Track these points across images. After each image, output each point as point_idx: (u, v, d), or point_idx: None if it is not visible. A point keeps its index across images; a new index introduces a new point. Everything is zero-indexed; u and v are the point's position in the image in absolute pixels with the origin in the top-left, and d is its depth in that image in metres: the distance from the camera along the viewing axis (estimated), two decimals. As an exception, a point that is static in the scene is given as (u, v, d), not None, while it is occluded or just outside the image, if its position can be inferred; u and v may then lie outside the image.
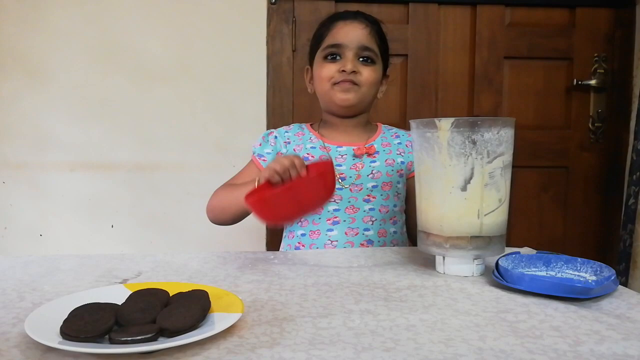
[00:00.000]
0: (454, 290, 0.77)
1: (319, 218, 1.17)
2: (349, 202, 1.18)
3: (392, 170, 1.21)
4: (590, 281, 0.80)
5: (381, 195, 1.20)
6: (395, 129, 1.32)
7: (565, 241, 2.00)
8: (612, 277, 0.77)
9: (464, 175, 0.82)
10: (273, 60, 1.88)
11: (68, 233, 1.88)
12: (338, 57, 1.18)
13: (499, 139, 0.82)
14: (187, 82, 1.86)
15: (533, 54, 1.96)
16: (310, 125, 1.31)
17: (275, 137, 1.28)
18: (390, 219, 1.21)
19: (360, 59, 1.18)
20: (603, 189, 2.01)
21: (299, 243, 1.20)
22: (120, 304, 0.61)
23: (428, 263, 0.92)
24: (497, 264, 0.82)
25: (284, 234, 1.28)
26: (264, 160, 1.24)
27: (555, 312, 0.68)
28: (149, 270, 0.85)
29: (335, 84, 1.18)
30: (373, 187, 1.19)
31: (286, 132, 1.28)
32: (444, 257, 0.85)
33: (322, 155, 1.07)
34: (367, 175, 1.19)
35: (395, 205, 1.22)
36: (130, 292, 0.65)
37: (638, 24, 1.91)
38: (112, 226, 1.89)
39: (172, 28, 1.85)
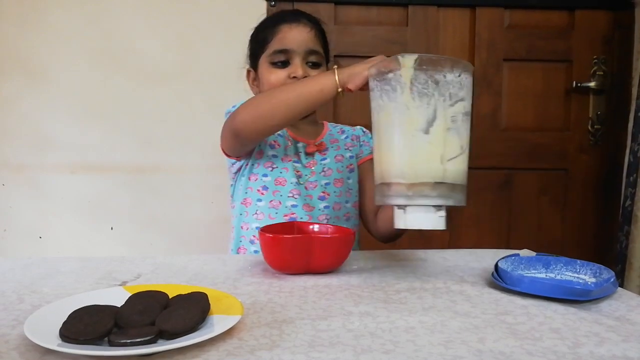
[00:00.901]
0: (453, 293, 0.77)
1: (276, 212, 1.16)
2: (305, 200, 1.17)
3: (342, 166, 1.22)
4: (589, 283, 0.80)
5: (334, 192, 1.20)
6: (340, 125, 1.32)
7: (564, 243, 2.00)
8: (612, 279, 0.77)
9: (426, 117, 0.79)
10: (273, 63, 1.88)
11: (68, 235, 1.88)
12: (286, 63, 1.17)
13: (460, 83, 0.80)
14: (186, 83, 1.87)
15: (532, 56, 1.96)
16: None
17: None
18: (344, 216, 1.21)
19: (308, 63, 1.18)
20: (602, 191, 2.01)
21: (253, 236, 1.18)
22: (119, 306, 0.61)
23: (427, 265, 0.92)
24: (496, 265, 0.82)
25: (233, 224, 1.24)
26: None
27: (555, 314, 0.68)
28: (149, 273, 0.85)
29: None
30: (326, 184, 1.20)
31: None
32: (405, 210, 0.80)
33: (348, 231, 1.02)
34: (320, 173, 1.20)
35: (347, 202, 1.22)
36: (129, 295, 0.65)
37: (637, 26, 1.91)
38: (112, 228, 1.89)
39: (172, 29, 1.85)
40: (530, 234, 2.00)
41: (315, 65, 1.18)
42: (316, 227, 0.96)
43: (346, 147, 1.25)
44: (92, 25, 1.84)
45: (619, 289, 0.79)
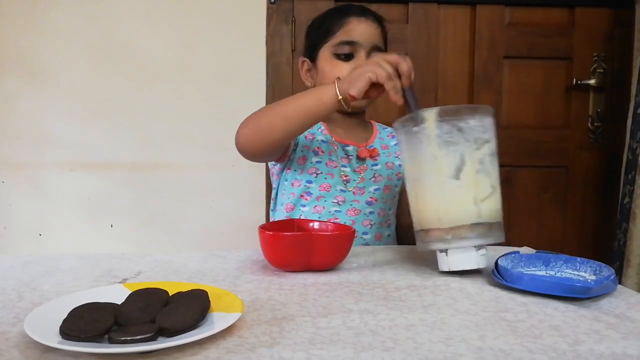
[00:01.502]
0: (454, 290, 0.77)
1: (319, 217, 1.17)
2: (351, 204, 1.17)
3: (392, 173, 1.21)
4: (589, 280, 0.80)
5: (382, 198, 1.19)
6: (389, 129, 1.30)
7: (564, 241, 2.00)
8: (612, 277, 0.77)
9: (455, 164, 0.82)
10: (272, 60, 1.88)
11: (68, 233, 1.88)
12: (350, 56, 1.15)
13: (483, 126, 0.83)
14: (186, 81, 1.87)
15: (532, 53, 1.96)
16: None
17: None
18: (386, 222, 1.21)
19: None
20: (602, 189, 2.01)
21: None
22: (119, 303, 0.61)
23: (427, 263, 0.92)
24: (496, 263, 0.82)
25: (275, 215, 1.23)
26: None
27: (555, 311, 0.69)
28: (149, 270, 0.85)
29: None
30: (375, 190, 1.19)
31: None
32: (446, 253, 0.84)
33: (348, 226, 1.01)
34: (370, 179, 1.19)
35: (390, 209, 1.22)
36: (129, 292, 0.65)
37: (637, 23, 1.91)
38: (112, 226, 1.89)
39: (172, 27, 1.85)
40: (530, 232, 2.00)
41: None
42: (316, 225, 0.96)
43: (396, 155, 1.23)
44: (92, 24, 1.84)
45: (619, 286, 0.79)
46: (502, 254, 0.87)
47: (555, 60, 1.98)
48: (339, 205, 1.17)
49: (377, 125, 1.29)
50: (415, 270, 0.88)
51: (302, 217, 1.17)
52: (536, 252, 0.91)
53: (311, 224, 0.96)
